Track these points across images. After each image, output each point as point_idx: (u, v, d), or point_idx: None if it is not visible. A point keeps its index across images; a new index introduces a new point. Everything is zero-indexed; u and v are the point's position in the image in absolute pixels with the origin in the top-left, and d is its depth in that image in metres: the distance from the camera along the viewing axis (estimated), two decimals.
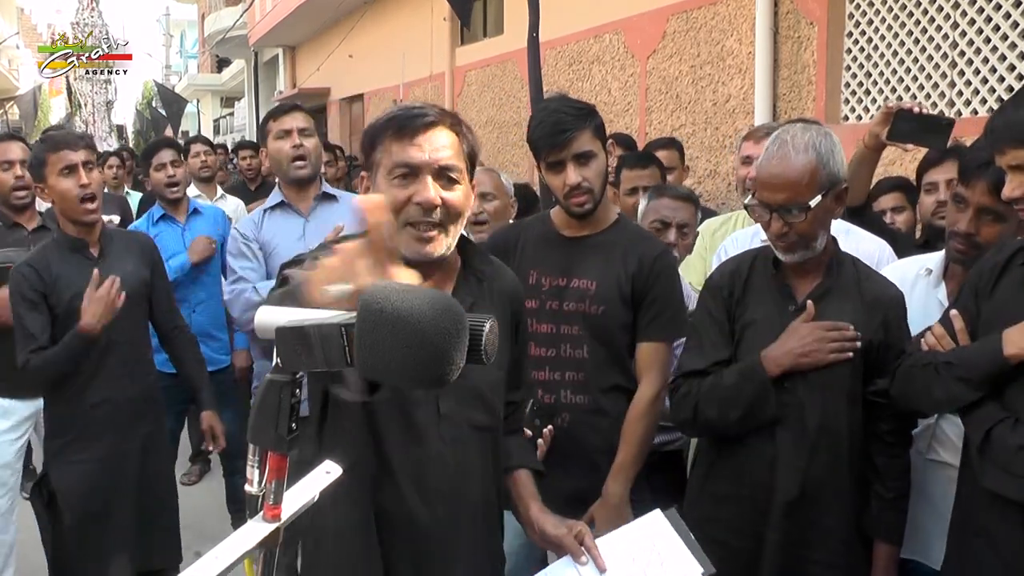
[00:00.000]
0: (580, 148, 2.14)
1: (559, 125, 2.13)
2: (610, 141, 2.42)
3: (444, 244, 1.49)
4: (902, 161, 3.91)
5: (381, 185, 1.49)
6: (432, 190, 1.45)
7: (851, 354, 1.85)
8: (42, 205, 4.01)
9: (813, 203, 1.84)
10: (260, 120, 3.46)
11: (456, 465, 1.53)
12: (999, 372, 1.61)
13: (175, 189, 3.88)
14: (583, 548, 1.58)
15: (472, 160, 1.56)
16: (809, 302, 1.89)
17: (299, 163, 2.94)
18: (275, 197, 3.01)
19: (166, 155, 3.92)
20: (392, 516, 1.50)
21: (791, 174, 1.84)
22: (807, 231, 1.87)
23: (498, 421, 1.63)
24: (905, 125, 2.32)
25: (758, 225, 2.66)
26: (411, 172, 1.46)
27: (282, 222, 2.96)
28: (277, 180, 3.08)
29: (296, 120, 2.96)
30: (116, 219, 4.77)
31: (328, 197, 3.04)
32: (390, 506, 1.50)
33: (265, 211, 2.99)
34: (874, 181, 3.47)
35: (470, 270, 1.60)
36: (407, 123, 1.47)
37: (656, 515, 1.66)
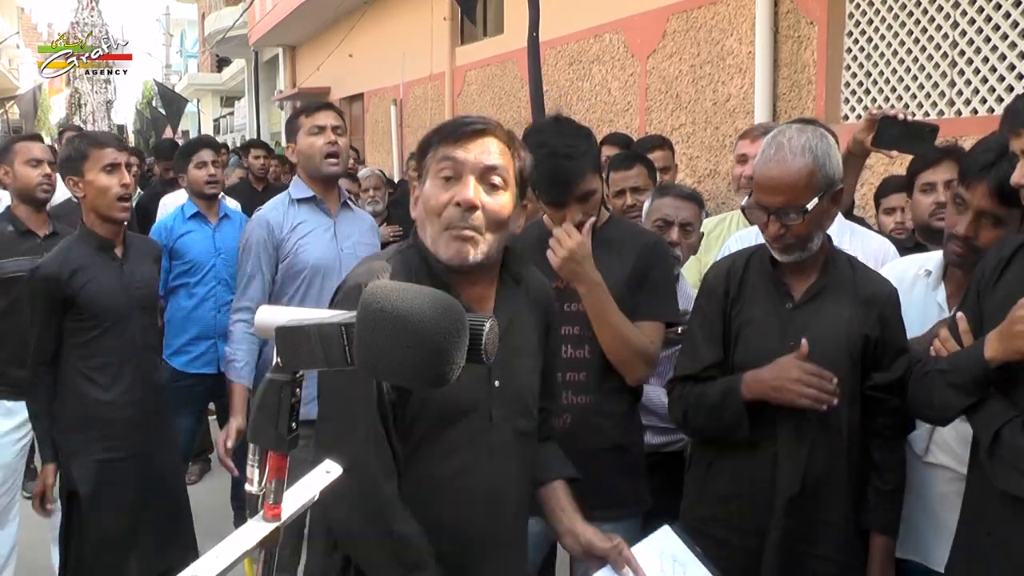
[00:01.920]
0: (581, 191, 2.11)
1: (560, 176, 2.08)
2: (604, 157, 2.39)
3: (482, 250, 1.49)
4: (903, 161, 3.91)
5: (427, 188, 1.50)
6: (471, 190, 1.45)
7: (825, 408, 1.81)
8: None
9: (810, 206, 1.85)
10: (257, 119, 3.45)
11: (500, 471, 1.55)
12: (987, 376, 1.61)
13: (214, 186, 3.96)
14: (624, 559, 1.65)
15: (523, 179, 1.57)
16: (804, 341, 1.85)
17: (332, 159, 2.93)
18: (303, 191, 2.94)
19: (206, 154, 3.99)
20: (432, 524, 1.49)
21: (788, 178, 1.85)
22: (804, 233, 1.88)
23: (535, 425, 1.67)
24: (890, 132, 2.33)
25: None
26: (455, 173, 1.47)
27: (309, 216, 2.94)
28: (298, 175, 3.04)
29: (330, 118, 2.95)
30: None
31: (347, 207, 3.06)
32: (429, 514, 1.50)
33: (295, 201, 2.94)
34: (877, 181, 3.48)
35: (509, 273, 1.62)
36: (457, 129, 1.49)
37: (666, 530, 1.77)
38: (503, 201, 1.50)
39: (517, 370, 1.59)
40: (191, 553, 2.84)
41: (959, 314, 1.76)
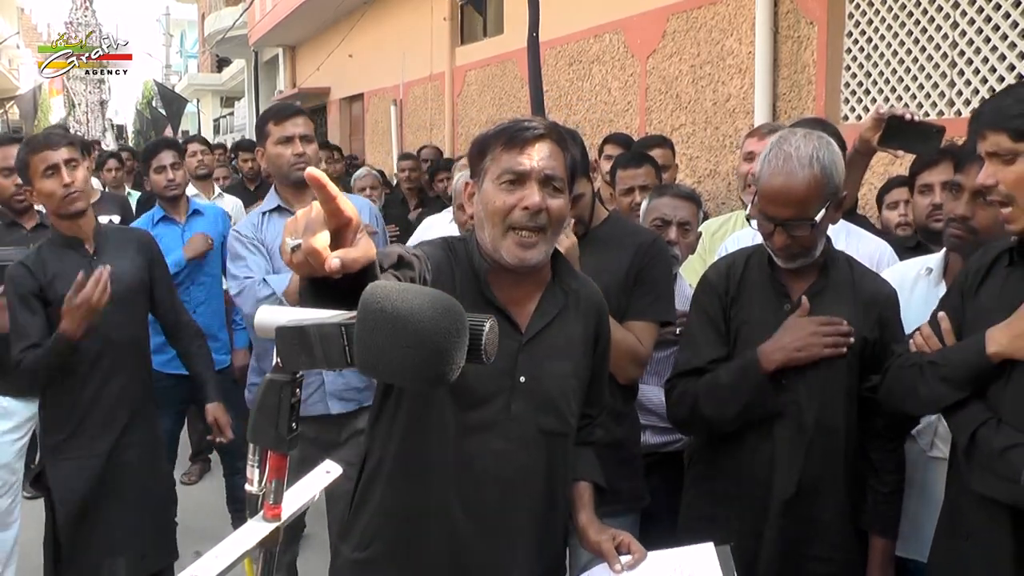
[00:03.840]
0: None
1: None
2: (597, 157, 2.39)
3: (542, 251, 1.59)
4: (905, 161, 3.90)
5: (488, 190, 1.59)
6: (539, 195, 1.56)
7: (845, 350, 1.85)
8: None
9: (818, 218, 1.84)
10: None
11: (518, 464, 1.60)
12: (982, 371, 1.61)
13: (174, 190, 3.91)
14: (619, 556, 1.64)
15: (573, 173, 1.66)
16: (804, 297, 1.90)
17: (299, 166, 2.93)
18: (272, 200, 2.96)
19: (166, 157, 3.92)
20: (430, 507, 1.59)
21: (796, 191, 1.83)
22: (810, 242, 1.89)
23: (569, 428, 1.70)
24: (896, 131, 2.33)
25: None
26: (518, 179, 1.57)
27: (281, 225, 2.94)
28: (274, 182, 3.06)
29: (298, 127, 2.93)
30: (116, 219, 4.77)
31: None
32: (428, 498, 1.59)
33: (264, 214, 2.96)
34: (878, 181, 3.47)
35: (558, 281, 1.70)
36: (518, 136, 1.58)
37: (707, 547, 1.68)
38: (563, 203, 1.61)
39: (549, 371, 1.64)
40: (169, 554, 2.82)
41: (941, 314, 1.76)
